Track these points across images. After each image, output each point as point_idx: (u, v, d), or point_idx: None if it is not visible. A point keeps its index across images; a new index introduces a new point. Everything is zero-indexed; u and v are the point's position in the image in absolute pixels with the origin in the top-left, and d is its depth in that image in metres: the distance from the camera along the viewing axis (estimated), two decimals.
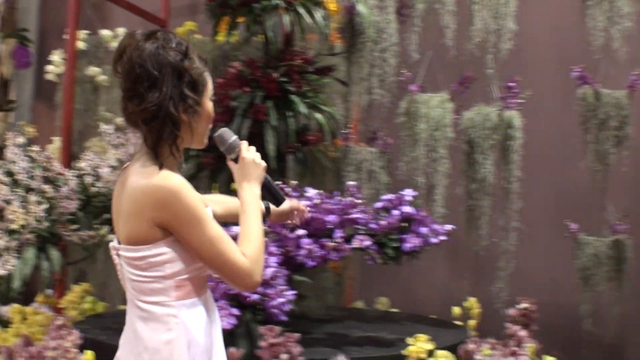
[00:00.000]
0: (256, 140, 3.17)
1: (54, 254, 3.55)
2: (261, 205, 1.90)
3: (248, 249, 1.60)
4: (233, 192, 4.00)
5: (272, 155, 3.41)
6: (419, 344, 3.05)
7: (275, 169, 3.40)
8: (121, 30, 5.40)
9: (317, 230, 3.12)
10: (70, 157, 4.24)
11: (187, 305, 1.63)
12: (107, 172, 3.81)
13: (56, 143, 5.00)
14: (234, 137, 1.77)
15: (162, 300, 1.62)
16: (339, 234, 3.06)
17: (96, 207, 3.80)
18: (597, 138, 4.01)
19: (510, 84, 4.01)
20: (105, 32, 5.53)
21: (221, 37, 4.46)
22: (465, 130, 4.08)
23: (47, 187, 3.63)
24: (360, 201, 3.23)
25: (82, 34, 5.36)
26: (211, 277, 1.84)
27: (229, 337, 2.73)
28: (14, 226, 3.51)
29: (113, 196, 1.67)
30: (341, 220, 3.13)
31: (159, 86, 1.56)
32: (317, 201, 3.16)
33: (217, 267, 1.60)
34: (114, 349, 2.58)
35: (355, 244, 3.10)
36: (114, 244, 1.66)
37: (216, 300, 2.63)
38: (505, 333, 3.41)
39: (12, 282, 3.53)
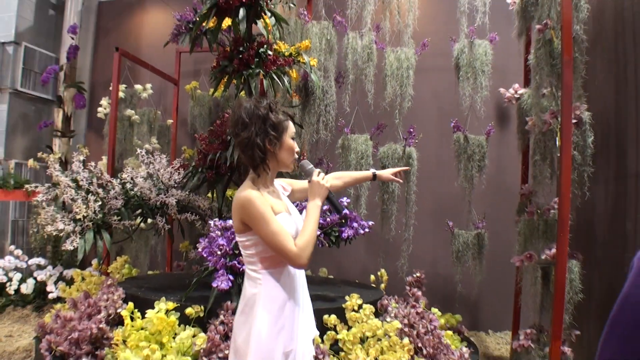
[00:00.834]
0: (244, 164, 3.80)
1: (106, 236, 3.90)
2: (369, 173, 2.40)
3: (300, 240, 1.82)
4: (228, 199, 4.63)
5: None
6: (353, 300, 3.38)
7: None
8: (149, 85, 6.06)
9: None
10: (114, 170, 4.77)
11: (269, 273, 1.90)
12: (141, 181, 4.18)
13: (104, 160, 5.46)
14: (310, 166, 2.00)
15: (254, 268, 1.92)
16: None
17: (134, 204, 4.15)
18: (466, 166, 4.60)
19: (410, 130, 4.57)
20: (137, 86, 6.14)
21: (218, 93, 5.08)
22: (380, 159, 4.61)
23: (100, 191, 4.03)
24: None
25: (122, 86, 5.90)
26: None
27: (226, 295, 3.17)
28: (78, 217, 3.86)
29: None
30: None
31: (249, 127, 1.86)
32: None
33: (276, 252, 1.84)
34: (147, 301, 3.26)
35: None
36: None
37: (217, 270, 3.12)
38: (405, 292, 4.04)
39: (77, 254, 3.88)
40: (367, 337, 3.16)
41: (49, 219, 3.88)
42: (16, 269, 5.96)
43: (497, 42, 4.65)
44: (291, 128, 1.94)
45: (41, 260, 6.10)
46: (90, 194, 4.01)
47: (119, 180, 4.19)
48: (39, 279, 5.85)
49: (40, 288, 5.85)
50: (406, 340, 3.11)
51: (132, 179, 4.22)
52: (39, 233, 5.68)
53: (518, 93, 4.48)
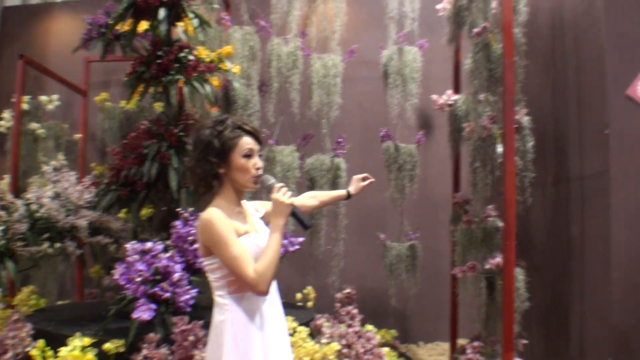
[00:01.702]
0: (162, 178, 3.74)
1: (10, 264, 3.67)
2: (343, 192, 2.40)
3: (259, 265, 1.82)
4: (142, 218, 4.48)
5: (175, 189, 3.62)
6: (287, 323, 3.32)
7: (176, 199, 3.66)
8: (55, 96, 5.84)
9: None
10: (17, 190, 4.53)
11: (236, 298, 1.91)
12: (48, 201, 3.93)
13: (6, 179, 5.10)
14: (271, 182, 1.96)
15: (220, 294, 1.94)
16: None
17: (40, 228, 3.91)
18: (397, 176, 4.56)
19: (338, 140, 4.58)
20: (42, 97, 5.88)
21: (132, 103, 5.00)
22: (308, 171, 4.58)
23: (2, 213, 3.78)
24: None
25: (26, 98, 5.63)
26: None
27: (149, 326, 3.03)
28: None
29: None
30: None
31: (193, 154, 1.95)
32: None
33: (236, 277, 1.85)
34: (60, 337, 3.06)
35: None
36: None
37: (137, 299, 3.01)
38: (336, 310, 4.00)
39: None
40: None
41: None
42: None
43: (425, 49, 4.67)
44: (243, 145, 1.91)
45: None
46: None
47: (23, 200, 3.95)
48: None
49: None
50: None
51: (37, 199, 3.96)
52: None
53: (451, 99, 4.45)
